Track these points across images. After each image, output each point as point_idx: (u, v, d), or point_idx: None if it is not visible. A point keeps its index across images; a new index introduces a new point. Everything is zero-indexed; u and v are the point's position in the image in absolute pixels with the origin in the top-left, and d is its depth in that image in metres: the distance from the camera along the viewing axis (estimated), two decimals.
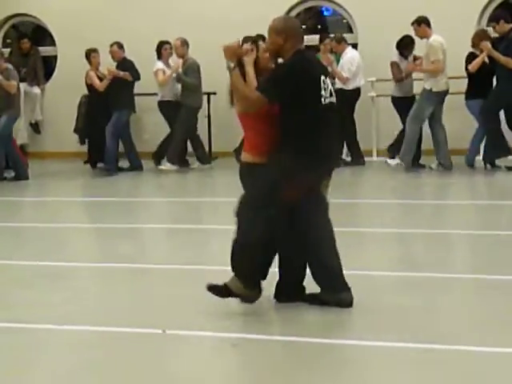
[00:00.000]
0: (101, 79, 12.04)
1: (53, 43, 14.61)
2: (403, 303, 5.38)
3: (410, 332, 4.76)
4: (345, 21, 14.00)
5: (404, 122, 11.52)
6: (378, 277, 6.10)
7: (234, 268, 5.12)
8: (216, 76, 11.21)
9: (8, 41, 15.24)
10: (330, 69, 11.77)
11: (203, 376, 4.32)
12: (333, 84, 11.76)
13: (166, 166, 12.14)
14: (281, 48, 5.16)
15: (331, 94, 5.18)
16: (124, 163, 12.50)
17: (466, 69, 11.06)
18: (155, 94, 12.34)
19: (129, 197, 10.71)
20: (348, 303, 5.18)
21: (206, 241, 7.72)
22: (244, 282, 5.07)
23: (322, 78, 5.13)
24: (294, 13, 13.66)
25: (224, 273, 5.18)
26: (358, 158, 12.21)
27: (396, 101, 11.74)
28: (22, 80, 14.00)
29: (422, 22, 10.99)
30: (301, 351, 4.61)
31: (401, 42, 11.62)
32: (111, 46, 12.26)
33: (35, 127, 14.34)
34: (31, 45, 14.32)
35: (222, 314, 5.20)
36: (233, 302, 5.19)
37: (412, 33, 11.30)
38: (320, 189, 5.22)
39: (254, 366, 4.42)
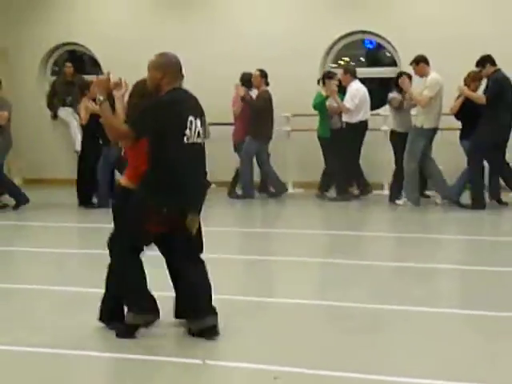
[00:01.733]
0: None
1: (99, 72, 14.82)
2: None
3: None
4: (388, 54, 14.05)
5: (397, 158, 11.59)
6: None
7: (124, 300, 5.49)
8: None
9: (56, 68, 15.50)
10: (332, 100, 12.08)
11: None
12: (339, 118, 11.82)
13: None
14: (158, 83, 5.34)
15: (199, 135, 5.35)
16: None
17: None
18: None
19: None
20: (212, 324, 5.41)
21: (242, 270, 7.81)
22: (134, 308, 5.40)
23: (191, 118, 5.31)
24: (339, 45, 13.74)
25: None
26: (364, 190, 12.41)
27: (394, 135, 11.71)
28: (66, 106, 14.30)
29: (419, 61, 11.23)
30: None
31: (397, 78, 11.63)
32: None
33: None
34: (74, 71, 14.53)
35: (262, 345, 5.27)
36: (277, 334, 5.34)
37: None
38: (185, 225, 5.33)
39: None
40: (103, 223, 10.32)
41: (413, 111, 11.56)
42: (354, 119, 12.03)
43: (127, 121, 5.31)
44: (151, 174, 5.28)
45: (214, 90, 12.24)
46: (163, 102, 5.30)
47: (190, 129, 5.26)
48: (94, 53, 14.76)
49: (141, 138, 5.27)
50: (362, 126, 12.14)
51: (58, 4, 14.78)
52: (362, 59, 15.04)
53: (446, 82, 11.12)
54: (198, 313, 5.40)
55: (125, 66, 13.08)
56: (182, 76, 5.48)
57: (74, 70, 14.57)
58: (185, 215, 5.30)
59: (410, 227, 10.21)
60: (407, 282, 7.22)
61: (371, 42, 14.75)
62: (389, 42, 13.42)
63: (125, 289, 5.42)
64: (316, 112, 12.42)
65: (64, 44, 15.07)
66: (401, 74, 11.65)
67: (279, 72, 12.58)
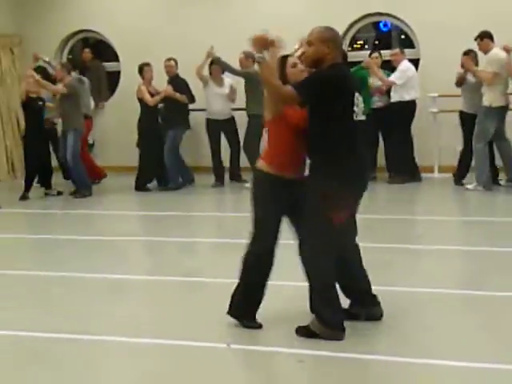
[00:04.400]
0: (152, 94, 12.10)
1: (117, 59, 14.80)
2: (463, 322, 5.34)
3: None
4: (403, 36, 13.93)
5: (466, 140, 11.42)
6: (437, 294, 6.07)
7: (314, 311, 5.12)
8: None
9: (69, 57, 15.46)
10: (374, 79, 11.89)
11: None
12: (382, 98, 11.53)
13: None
14: (324, 57, 5.05)
15: (361, 113, 5.23)
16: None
17: None
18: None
19: (185, 211, 10.75)
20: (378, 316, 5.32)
21: None
22: (326, 323, 5.04)
23: (356, 94, 5.10)
24: (354, 29, 13.65)
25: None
26: (414, 173, 12.11)
27: (464, 116, 11.51)
28: None
29: (484, 37, 11.02)
30: (369, 369, 4.60)
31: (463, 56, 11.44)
32: (168, 60, 12.43)
33: None
34: (93, 57, 14.49)
35: (287, 329, 5.20)
36: (297, 319, 5.23)
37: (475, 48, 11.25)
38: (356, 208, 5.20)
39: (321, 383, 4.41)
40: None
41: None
42: (406, 97, 11.83)
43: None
44: (323, 157, 4.97)
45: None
46: (331, 74, 5.01)
47: (357, 106, 5.06)
48: (110, 40, 14.71)
49: (305, 106, 4.96)
50: (413, 105, 11.96)
51: None
52: (376, 42, 14.96)
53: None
54: (374, 299, 5.34)
55: (143, 54, 13.15)
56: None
57: (92, 55, 14.58)
58: (359, 198, 5.11)
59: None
60: None
61: (386, 25, 14.64)
62: (406, 24, 13.31)
63: (324, 300, 5.05)
64: None
65: (80, 31, 15.03)
66: (467, 53, 11.38)
67: None
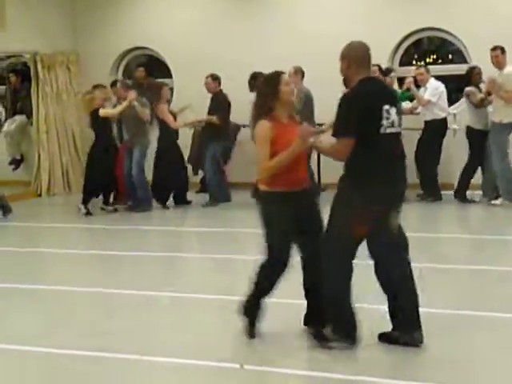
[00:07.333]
0: (173, 115, 12.28)
1: (169, 75, 14.95)
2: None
3: None
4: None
5: (472, 156, 11.46)
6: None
7: (328, 318, 5.17)
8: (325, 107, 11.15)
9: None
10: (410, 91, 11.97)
11: None
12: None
13: None
14: (346, 74, 5.17)
15: (393, 125, 5.12)
16: None
17: None
18: None
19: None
20: (419, 342, 5.17)
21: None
22: (336, 332, 5.10)
23: (386, 107, 5.08)
24: (407, 43, 13.56)
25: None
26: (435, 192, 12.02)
27: (471, 132, 11.52)
28: None
29: (504, 51, 11.06)
30: None
31: (469, 73, 11.63)
32: (206, 77, 12.39)
33: None
34: (146, 75, 14.66)
35: (297, 350, 5.23)
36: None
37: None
38: (388, 223, 5.11)
39: None
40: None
41: (489, 108, 11.38)
42: (441, 115, 11.83)
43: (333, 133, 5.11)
44: (354, 170, 5.09)
45: None
46: (351, 98, 5.11)
47: (387, 118, 5.10)
48: (164, 56, 14.88)
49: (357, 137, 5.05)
50: (446, 124, 11.95)
51: (129, 7, 14.99)
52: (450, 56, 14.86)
53: None
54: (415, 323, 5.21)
55: (196, 70, 13.25)
56: (369, 65, 5.24)
57: (145, 73, 14.73)
58: (389, 213, 5.11)
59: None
60: None
61: None
62: (458, 39, 13.15)
63: (336, 308, 5.16)
64: None
65: (134, 48, 15.24)
66: (473, 69, 11.55)
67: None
